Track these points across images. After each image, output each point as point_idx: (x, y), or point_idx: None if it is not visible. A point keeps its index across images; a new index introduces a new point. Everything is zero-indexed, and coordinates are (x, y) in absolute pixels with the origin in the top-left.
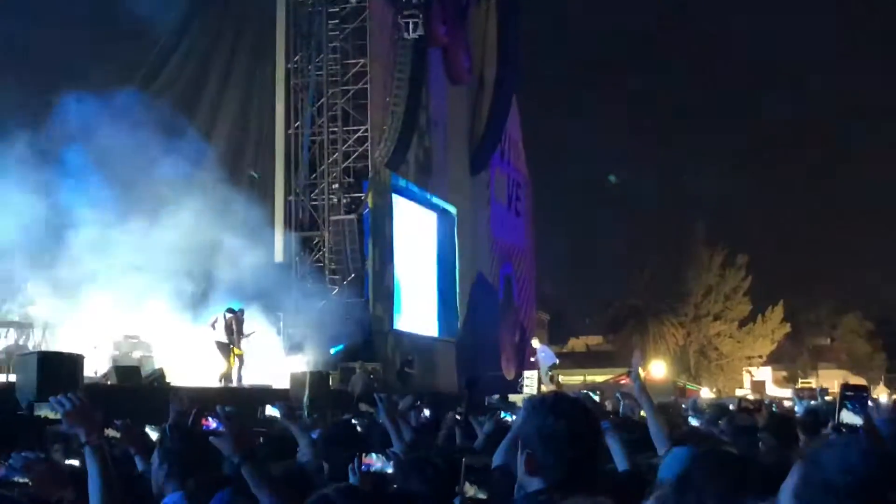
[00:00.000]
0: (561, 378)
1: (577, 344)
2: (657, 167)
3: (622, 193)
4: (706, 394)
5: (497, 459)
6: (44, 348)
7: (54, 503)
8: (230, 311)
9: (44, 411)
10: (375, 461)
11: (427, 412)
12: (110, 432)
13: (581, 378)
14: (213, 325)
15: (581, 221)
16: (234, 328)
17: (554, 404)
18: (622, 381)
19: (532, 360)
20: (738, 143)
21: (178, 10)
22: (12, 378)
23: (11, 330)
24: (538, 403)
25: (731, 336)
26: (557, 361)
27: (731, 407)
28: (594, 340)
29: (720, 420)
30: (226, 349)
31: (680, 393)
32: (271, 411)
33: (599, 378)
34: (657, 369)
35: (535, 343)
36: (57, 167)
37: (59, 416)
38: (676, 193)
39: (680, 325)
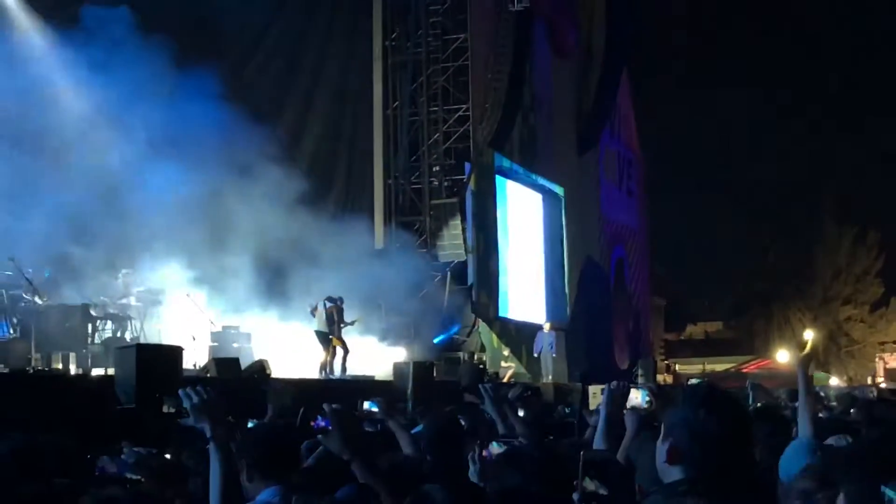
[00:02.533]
0: (678, 367)
1: (695, 331)
2: (781, 136)
3: (742, 167)
4: (835, 382)
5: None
6: (142, 340)
7: (166, 500)
8: (330, 299)
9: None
10: (497, 449)
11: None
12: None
13: (700, 367)
14: (312, 313)
15: (698, 199)
16: (336, 318)
17: (706, 396)
18: (745, 370)
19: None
20: (867, 106)
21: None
22: (111, 371)
23: (109, 322)
24: (690, 394)
25: (863, 321)
26: (554, 355)
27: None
28: (714, 327)
29: (851, 410)
30: (325, 339)
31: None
32: (368, 406)
33: (720, 367)
34: (782, 357)
35: (546, 327)
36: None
37: (172, 411)
38: (802, 165)
39: (807, 310)
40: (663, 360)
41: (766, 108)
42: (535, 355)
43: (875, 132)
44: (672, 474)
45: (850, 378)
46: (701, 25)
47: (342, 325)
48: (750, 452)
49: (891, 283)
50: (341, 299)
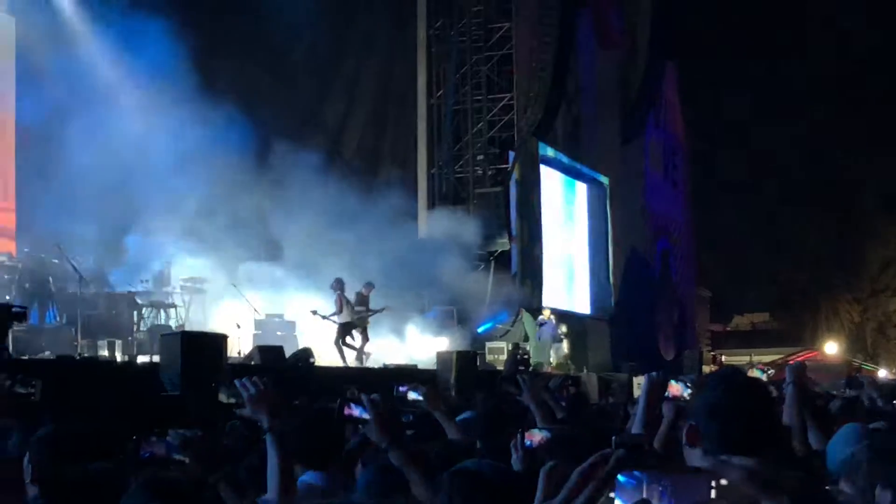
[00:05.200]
0: (724, 358)
1: (741, 322)
2: (828, 126)
3: (788, 158)
4: (884, 374)
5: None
6: (186, 328)
7: (212, 482)
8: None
9: (223, 395)
10: (537, 435)
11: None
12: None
13: (746, 358)
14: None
15: (743, 189)
16: (365, 303)
17: (722, 377)
18: (792, 362)
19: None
20: None
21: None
22: (156, 358)
23: (154, 310)
24: (707, 377)
25: None
26: (561, 341)
27: None
28: (760, 318)
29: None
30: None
31: (855, 373)
32: (413, 396)
33: (766, 358)
34: (830, 349)
35: (546, 314)
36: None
37: (232, 401)
38: (850, 156)
39: (856, 302)
40: (709, 352)
41: (816, 98)
42: (538, 340)
43: None
44: (694, 457)
45: None
46: (749, 16)
47: (369, 313)
48: (775, 431)
49: None
50: (367, 284)
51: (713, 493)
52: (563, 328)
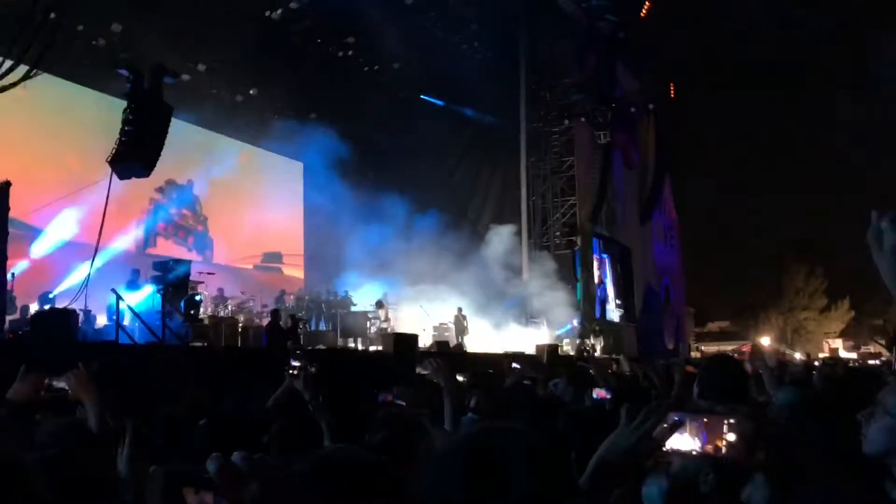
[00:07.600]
0: (703, 348)
1: (712, 326)
2: (764, 197)
3: (742, 221)
4: (798, 356)
5: None
6: (396, 331)
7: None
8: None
9: (419, 368)
10: (601, 391)
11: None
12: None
13: (716, 348)
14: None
15: (716, 248)
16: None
17: (713, 358)
18: (742, 349)
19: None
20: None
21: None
22: (380, 348)
23: (378, 321)
24: (706, 359)
25: (815, 319)
26: (600, 335)
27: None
28: (724, 324)
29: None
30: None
31: (781, 356)
32: (515, 365)
33: (728, 348)
34: (764, 342)
35: (574, 322)
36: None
37: (424, 372)
38: (777, 221)
39: (779, 314)
40: (694, 344)
41: (754, 173)
42: (559, 334)
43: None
44: (700, 404)
45: (809, 354)
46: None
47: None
48: (743, 387)
49: (832, 296)
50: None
51: (725, 427)
52: (596, 328)
